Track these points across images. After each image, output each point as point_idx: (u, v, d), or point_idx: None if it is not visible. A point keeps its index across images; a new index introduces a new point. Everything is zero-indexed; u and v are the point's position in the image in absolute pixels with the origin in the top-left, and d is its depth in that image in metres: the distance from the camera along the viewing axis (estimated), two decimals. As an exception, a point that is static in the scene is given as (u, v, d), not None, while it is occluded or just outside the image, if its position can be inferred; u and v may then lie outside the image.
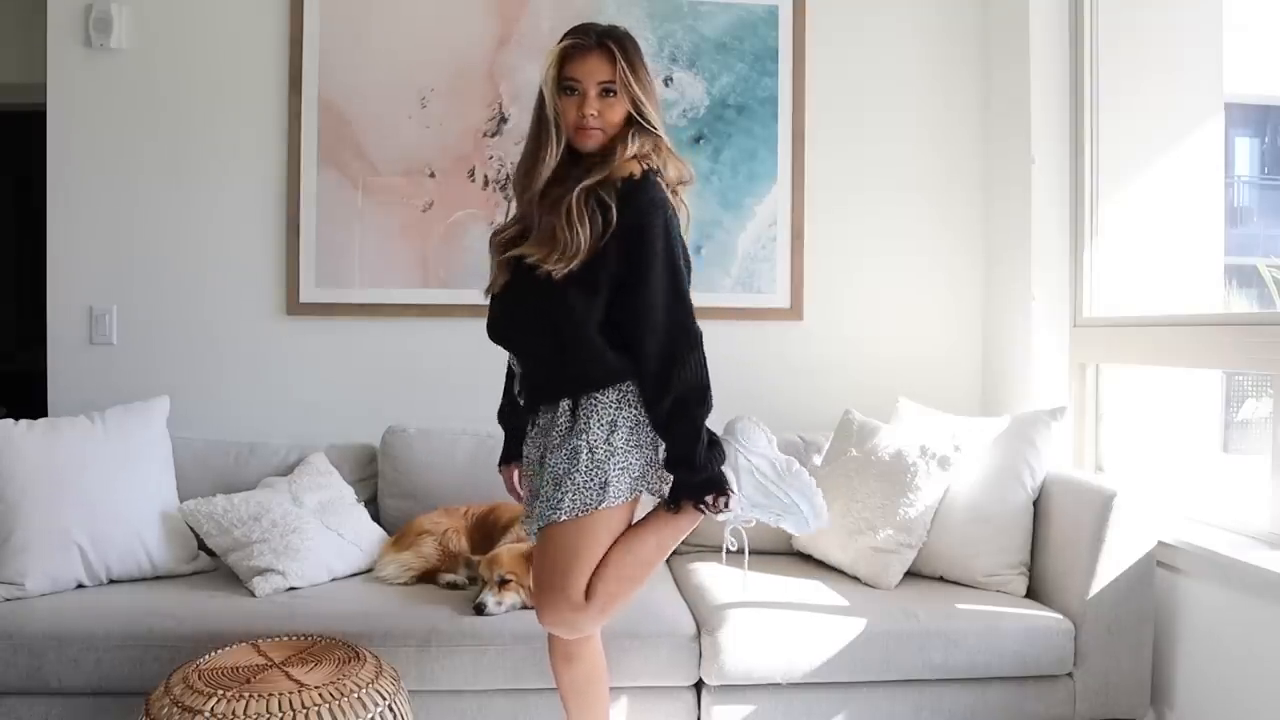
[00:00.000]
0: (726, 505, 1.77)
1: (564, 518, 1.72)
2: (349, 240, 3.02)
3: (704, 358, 1.73)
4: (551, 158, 1.78)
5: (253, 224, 3.00)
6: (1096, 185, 2.81)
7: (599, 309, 1.73)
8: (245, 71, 2.99)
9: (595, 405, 1.75)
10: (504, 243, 1.85)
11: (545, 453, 1.79)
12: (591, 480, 1.72)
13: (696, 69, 3.08)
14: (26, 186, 4.26)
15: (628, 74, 1.75)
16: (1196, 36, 2.74)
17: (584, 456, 1.72)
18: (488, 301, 1.90)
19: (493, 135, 3.04)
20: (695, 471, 1.72)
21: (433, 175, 3.03)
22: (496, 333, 1.88)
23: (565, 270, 1.69)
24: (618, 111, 1.77)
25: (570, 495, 1.72)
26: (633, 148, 1.75)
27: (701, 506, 1.76)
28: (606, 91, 1.76)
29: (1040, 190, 2.87)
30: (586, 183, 1.72)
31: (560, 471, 1.73)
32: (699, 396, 1.71)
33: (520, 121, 3.01)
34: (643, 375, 1.72)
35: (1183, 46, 2.75)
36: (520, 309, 1.82)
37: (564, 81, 1.76)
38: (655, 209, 1.72)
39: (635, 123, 1.77)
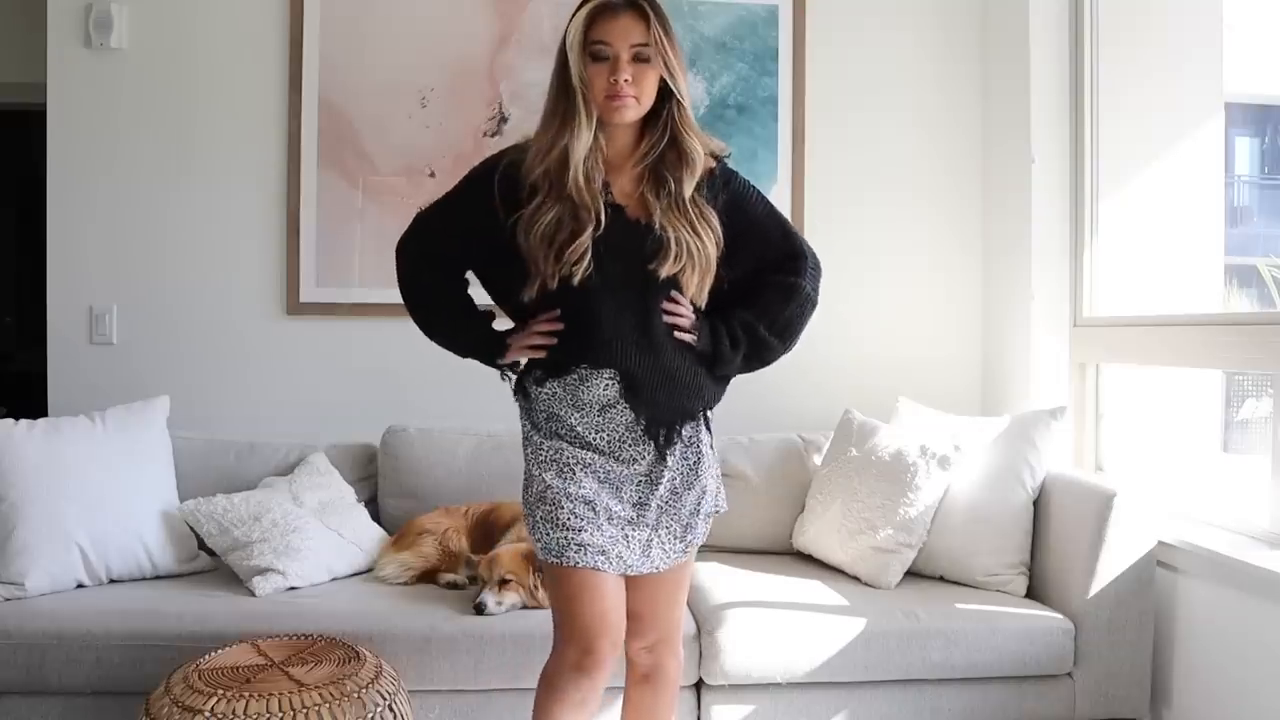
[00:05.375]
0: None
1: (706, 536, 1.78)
2: (349, 240, 3.02)
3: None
4: (587, 126, 1.62)
5: (253, 224, 3.00)
6: (1096, 185, 2.81)
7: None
8: (245, 71, 2.99)
9: (710, 415, 1.78)
10: (550, 227, 1.62)
11: (680, 476, 1.71)
12: (714, 486, 1.77)
13: (696, 69, 3.08)
14: (27, 186, 4.27)
15: (662, 37, 1.61)
16: (1196, 36, 2.74)
17: (711, 467, 1.76)
18: (532, 298, 1.68)
19: (493, 135, 3.03)
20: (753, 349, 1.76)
21: (433, 175, 3.03)
22: (622, 358, 1.65)
23: (710, 289, 1.70)
24: (651, 80, 1.62)
25: (710, 509, 1.76)
26: (696, 138, 1.68)
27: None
28: (638, 57, 1.61)
29: (1040, 190, 2.87)
30: (689, 190, 1.66)
31: (708, 483, 1.74)
32: (810, 301, 1.78)
33: (521, 121, 3.01)
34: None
35: (1183, 46, 2.75)
36: (655, 326, 1.67)
37: (591, 45, 1.61)
38: (745, 184, 1.77)
39: (670, 96, 1.65)
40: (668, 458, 1.68)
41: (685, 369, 1.69)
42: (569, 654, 1.64)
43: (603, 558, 1.62)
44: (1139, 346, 2.64)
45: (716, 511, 1.78)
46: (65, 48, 2.92)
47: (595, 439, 1.67)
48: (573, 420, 1.67)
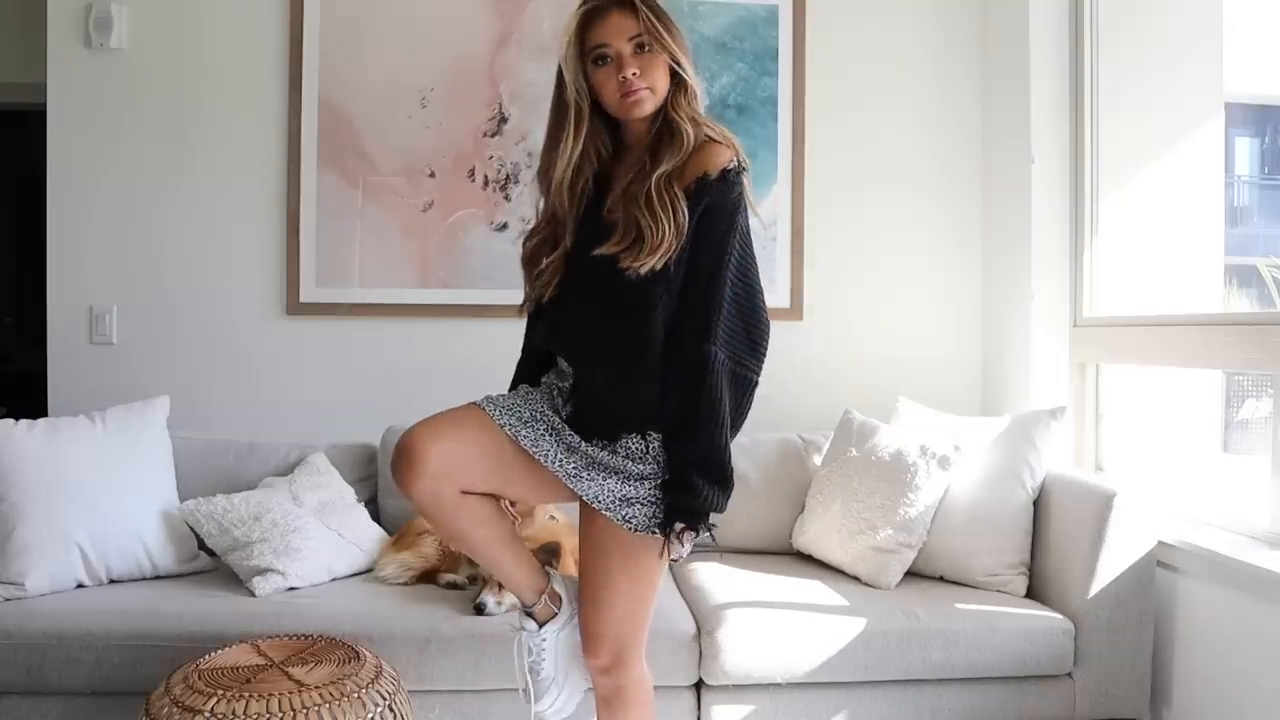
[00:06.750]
0: (696, 535, 1.60)
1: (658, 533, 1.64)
2: (349, 240, 3.02)
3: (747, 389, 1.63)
4: (573, 142, 1.65)
5: (253, 224, 3.00)
6: (1096, 185, 2.81)
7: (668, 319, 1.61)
8: (245, 71, 2.99)
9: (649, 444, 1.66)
10: (534, 249, 1.74)
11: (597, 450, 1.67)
12: (632, 494, 1.66)
13: (696, 69, 3.06)
14: (27, 186, 4.27)
15: (655, 22, 1.60)
16: (1196, 36, 2.74)
17: (630, 480, 1.67)
18: (524, 316, 1.83)
19: (493, 135, 3.04)
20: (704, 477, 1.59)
21: (433, 175, 3.03)
22: (564, 346, 1.73)
23: (653, 266, 1.55)
24: (660, 68, 1.61)
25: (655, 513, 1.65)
26: (685, 120, 1.62)
27: (671, 535, 1.60)
28: (640, 47, 1.60)
29: (1040, 190, 2.87)
30: (664, 169, 1.59)
31: (613, 483, 1.66)
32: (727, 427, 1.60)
33: (520, 121, 3.01)
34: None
35: (1183, 46, 2.75)
36: (601, 319, 1.65)
37: (591, 51, 1.61)
38: (739, 212, 1.61)
39: (679, 81, 1.64)
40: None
41: (621, 380, 1.64)
42: None
43: (489, 403, 1.68)
44: (1139, 346, 2.64)
45: (651, 532, 1.64)
46: (65, 48, 2.92)
47: (561, 385, 1.76)
48: (555, 379, 1.77)
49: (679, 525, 1.60)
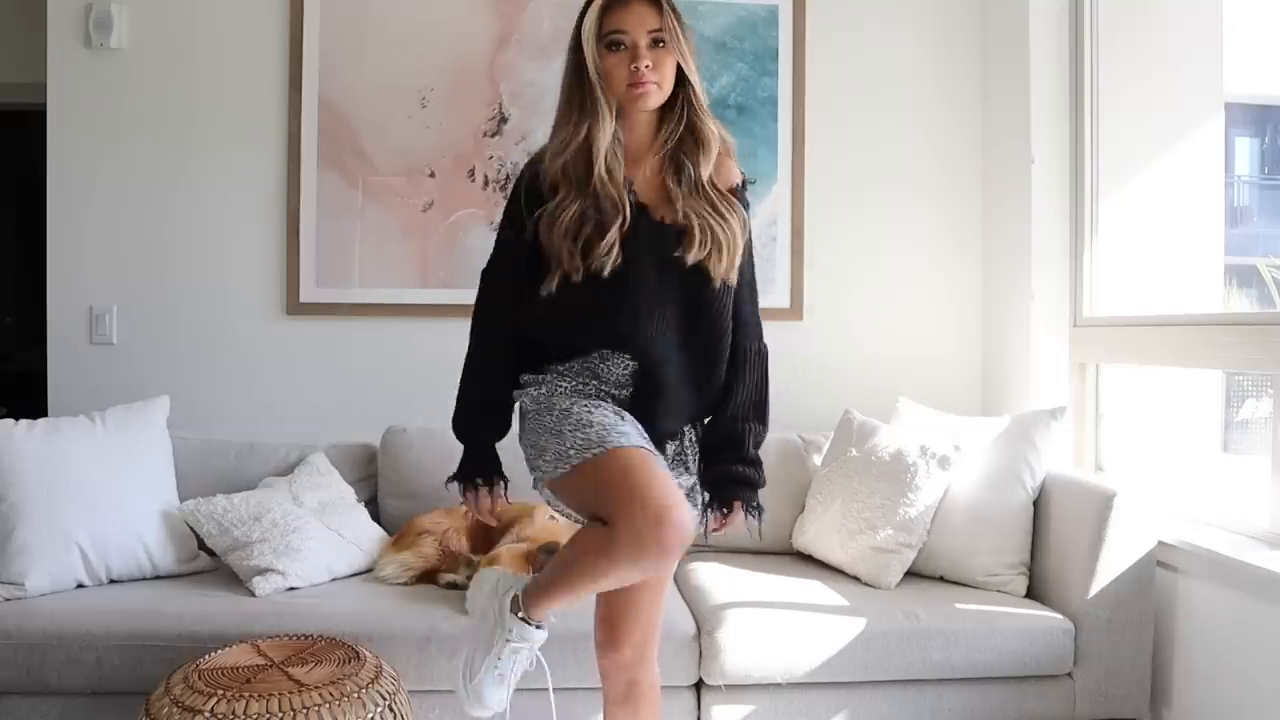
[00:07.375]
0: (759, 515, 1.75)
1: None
2: (349, 240, 3.02)
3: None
4: (608, 121, 1.63)
5: (253, 224, 3.00)
6: (1096, 185, 2.81)
7: None
8: (245, 71, 2.99)
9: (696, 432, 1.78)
10: (575, 220, 1.61)
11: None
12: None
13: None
14: (27, 186, 4.27)
15: (675, 22, 1.63)
16: (1196, 36, 2.74)
17: (689, 473, 1.76)
18: (550, 293, 1.64)
19: (493, 135, 3.03)
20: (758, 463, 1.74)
21: (433, 175, 3.03)
22: (643, 344, 1.64)
23: (730, 273, 1.68)
24: (670, 65, 1.64)
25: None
26: (711, 122, 1.69)
27: (751, 511, 1.73)
28: (656, 42, 1.62)
29: (1040, 190, 2.87)
30: (709, 174, 1.67)
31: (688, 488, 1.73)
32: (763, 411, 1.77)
33: (520, 121, 3.01)
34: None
35: (1183, 46, 2.75)
36: (686, 319, 1.68)
37: (606, 36, 1.62)
38: (747, 226, 1.74)
39: (683, 81, 1.66)
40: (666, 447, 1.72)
41: (692, 380, 1.70)
42: (642, 516, 1.44)
43: (649, 443, 1.58)
44: (1139, 346, 2.64)
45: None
46: (65, 48, 2.92)
47: (615, 394, 1.66)
48: (594, 384, 1.66)
49: (755, 500, 1.74)
